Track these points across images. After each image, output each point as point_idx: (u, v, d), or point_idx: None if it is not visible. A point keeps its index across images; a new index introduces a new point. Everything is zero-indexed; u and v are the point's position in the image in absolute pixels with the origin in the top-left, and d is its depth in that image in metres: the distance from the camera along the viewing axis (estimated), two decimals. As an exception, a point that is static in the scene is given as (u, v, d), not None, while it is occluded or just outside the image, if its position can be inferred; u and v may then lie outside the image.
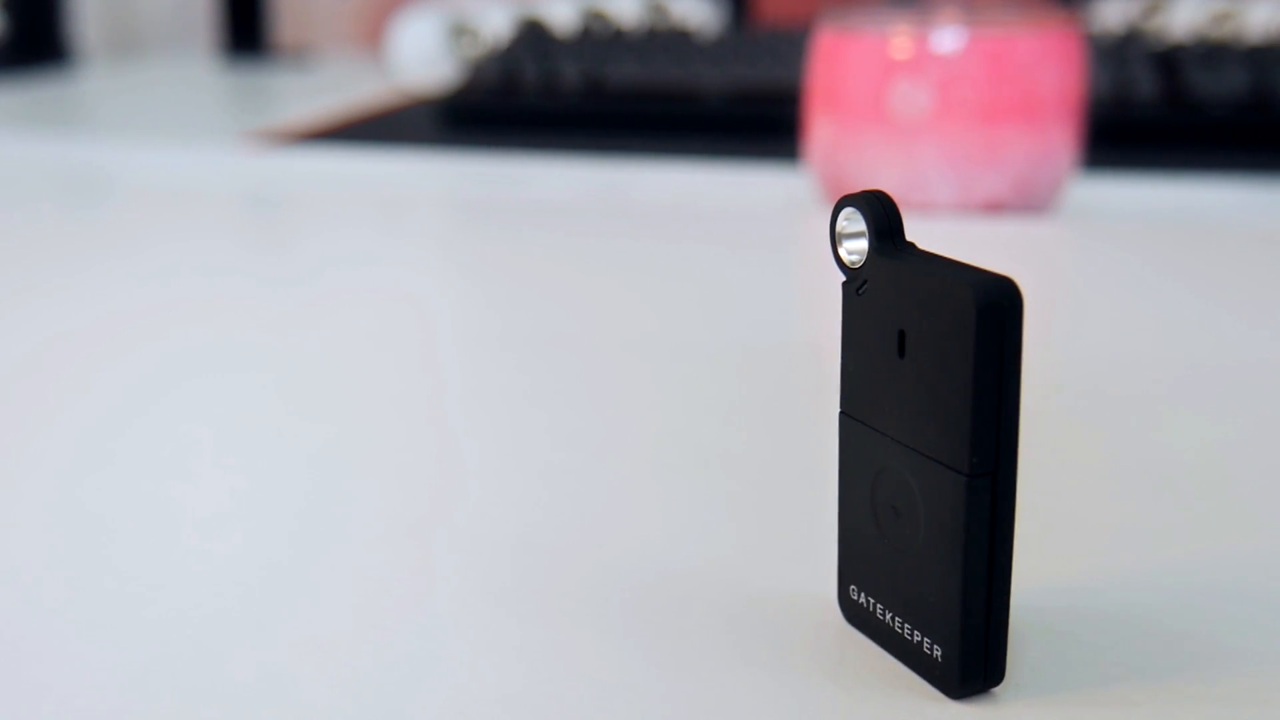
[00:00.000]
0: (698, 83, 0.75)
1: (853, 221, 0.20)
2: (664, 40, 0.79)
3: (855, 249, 0.20)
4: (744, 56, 0.76)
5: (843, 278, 0.20)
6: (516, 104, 0.76)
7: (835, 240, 0.21)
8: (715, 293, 0.43)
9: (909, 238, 0.20)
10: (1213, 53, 0.72)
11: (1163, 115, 0.69)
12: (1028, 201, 0.50)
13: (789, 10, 1.06)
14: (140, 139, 0.76)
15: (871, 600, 0.21)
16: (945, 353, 0.18)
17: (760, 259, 0.48)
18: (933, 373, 0.19)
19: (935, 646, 0.19)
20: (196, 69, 1.11)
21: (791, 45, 0.71)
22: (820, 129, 0.51)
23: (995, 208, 0.50)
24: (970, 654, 0.19)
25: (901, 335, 0.19)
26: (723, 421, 0.31)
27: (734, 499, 0.27)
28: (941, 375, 0.19)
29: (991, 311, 0.18)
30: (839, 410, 0.21)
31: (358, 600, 0.23)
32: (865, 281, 0.20)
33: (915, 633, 0.20)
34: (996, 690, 0.19)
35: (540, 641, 0.21)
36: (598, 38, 0.80)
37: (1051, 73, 0.49)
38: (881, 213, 0.20)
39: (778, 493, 0.27)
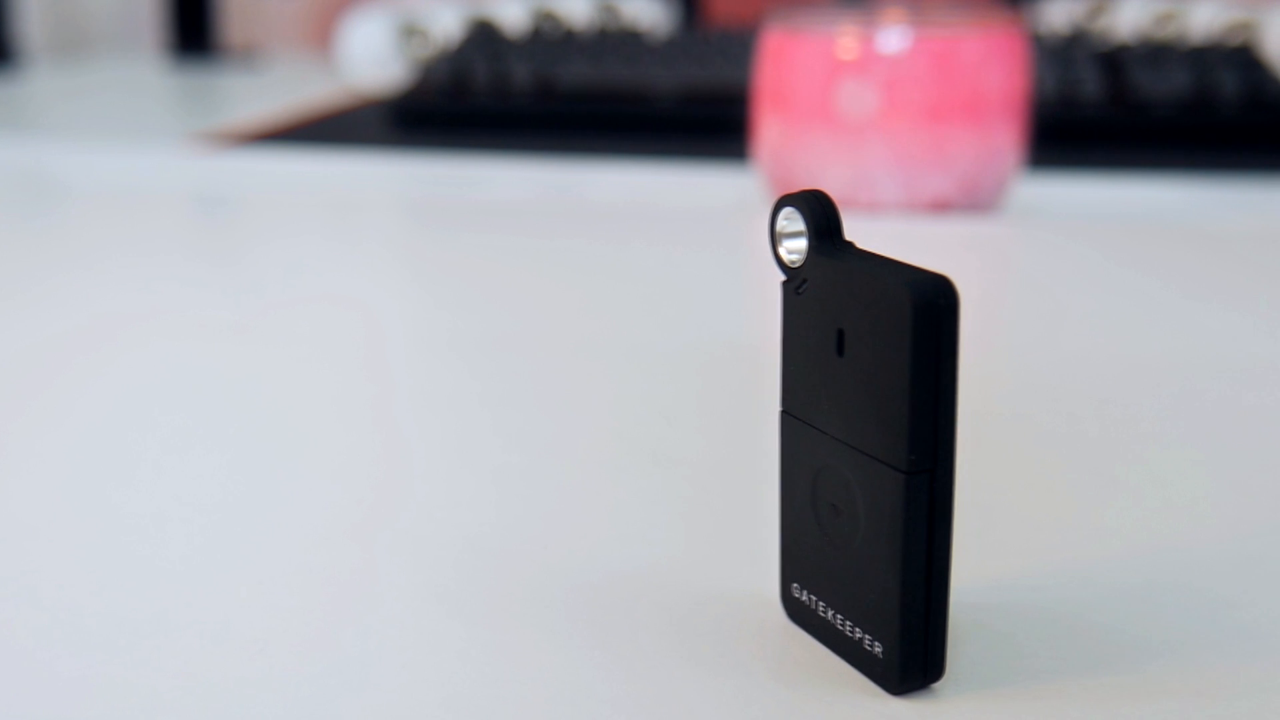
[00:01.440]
0: (648, 83, 0.75)
1: (792, 221, 0.20)
2: (615, 41, 0.79)
3: (795, 248, 0.20)
4: (694, 57, 0.77)
5: (783, 277, 0.21)
6: (467, 104, 0.76)
7: (775, 240, 0.21)
8: (664, 293, 0.43)
9: (849, 237, 0.20)
10: (1156, 53, 0.73)
11: (1107, 115, 0.70)
12: (974, 201, 0.50)
13: (740, 11, 1.06)
14: (87, 141, 0.75)
15: (813, 598, 0.21)
16: (883, 351, 0.18)
17: (709, 259, 0.48)
18: (871, 371, 0.19)
19: (875, 643, 0.20)
20: (143, 70, 1.10)
21: (742, 46, 0.71)
22: (768, 129, 0.52)
23: (942, 207, 0.50)
24: (910, 650, 0.19)
25: (840, 334, 0.19)
26: (670, 422, 0.31)
27: (681, 499, 0.27)
28: (879, 373, 0.19)
29: (928, 310, 0.18)
30: (780, 409, 0.21)
31: (300, 603, 0.22)
32: (804, 281, 0.20)
33: (856, 629, 0.20)
34: (936, 686, 0.20)
35: (485, 642, 0.21)
36: (548, 38, 0.80)
37: (996, 73, 0.49)
38: (820, 212, 0.20)
39: (725, 492, 0.27)
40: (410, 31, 0.89)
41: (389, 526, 0.26)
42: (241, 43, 1.19)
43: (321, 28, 1.15)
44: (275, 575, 0.23)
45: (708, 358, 0.36)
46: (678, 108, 0.74)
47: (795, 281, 0.20)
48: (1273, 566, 0.24)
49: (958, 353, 0.18)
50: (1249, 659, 0.20)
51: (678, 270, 0.46)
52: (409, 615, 0.22)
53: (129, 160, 0.68)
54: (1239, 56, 0.72)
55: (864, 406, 0.19)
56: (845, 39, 0.49)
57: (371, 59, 0.89)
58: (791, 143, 0.50)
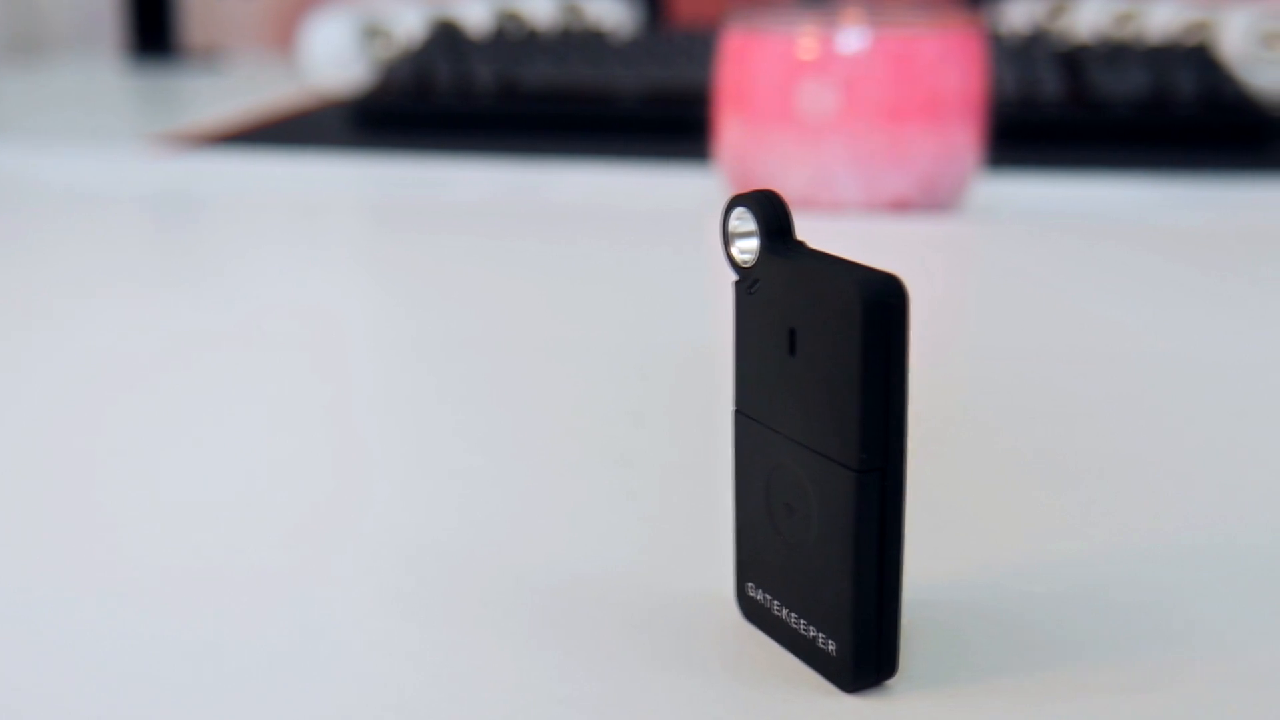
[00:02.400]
0: (612, 83, 0.75)
1: (744, 221, 0.20)
2: (578, 41, 0.79)
3: (746, 248, 0.20)
4: (658, 57, 0.77)
5: (735, 277, 0.21)
6: (430, 105, 0.76)
7: (727, 240, 0.21)
8: (626, 294, 0.43)
9: (801, 236, 0.20)
10: (1115, 53, 0.73)
11: (1067, 114, 0.70)
12: (933, 200, 0.51)
13: (704, 11, 1.06)
14: (45, 142, 0.74)
15: (768, 597, 0.21)
16: (834, 350, 0.19)
17: (671, 259, 0.48)
18: (822, 370, 0.19)
19: (829, 641, 0.20)
20: (103, 71, 1.09)
21: (705, 46, 0.71)
22: (729, 129, 0.52)
23: (901, 206, 0.50)
24: (863, 647, 0.19)
25: (792, 333, 0.19)
26: (632, 423, 0.31)
27: (640, 499, 0.27)
28: (830, 372, 0.19)
29: (878, 309, 0.18)
30: (733, 409, 0.21)
31: (255, 606, 0.22)
32: (756, 280, 0.20)
33: (810, 628, 0.20)
34: (890, 682, 0.20)
35: (440, 644, 0.21)
36: (511, 39, 0.80)
37: (955, 72, 0.50)
38: (772, 212, 0.20)
39: (684, 492, 0.27)
40: (372, 32, 0.88)
41: (346, 530, 0.25)
42: (202, 43, 1.19)
43: (283, 28, 1.15)
44: (232, 578, 0.23)
45: (669, 358, 0.36)
46: (641, 108, 0.74)
47: (747, 281, 0.20)
48: (1222, 563, 0.24)
49: (908, 351, 0.18)
50: (1196, 655, 0.21)
51: (640, 271, 0.46)
52: (364, 618, 0.22)
53: (88, 162, 0.68)
54: (1196, 56, 0.73)
55: (816, 405, 0.19)
56: (805, 39, 0.49)
57: (333, 60, 0.89)
58: (752, 143, 0.51)
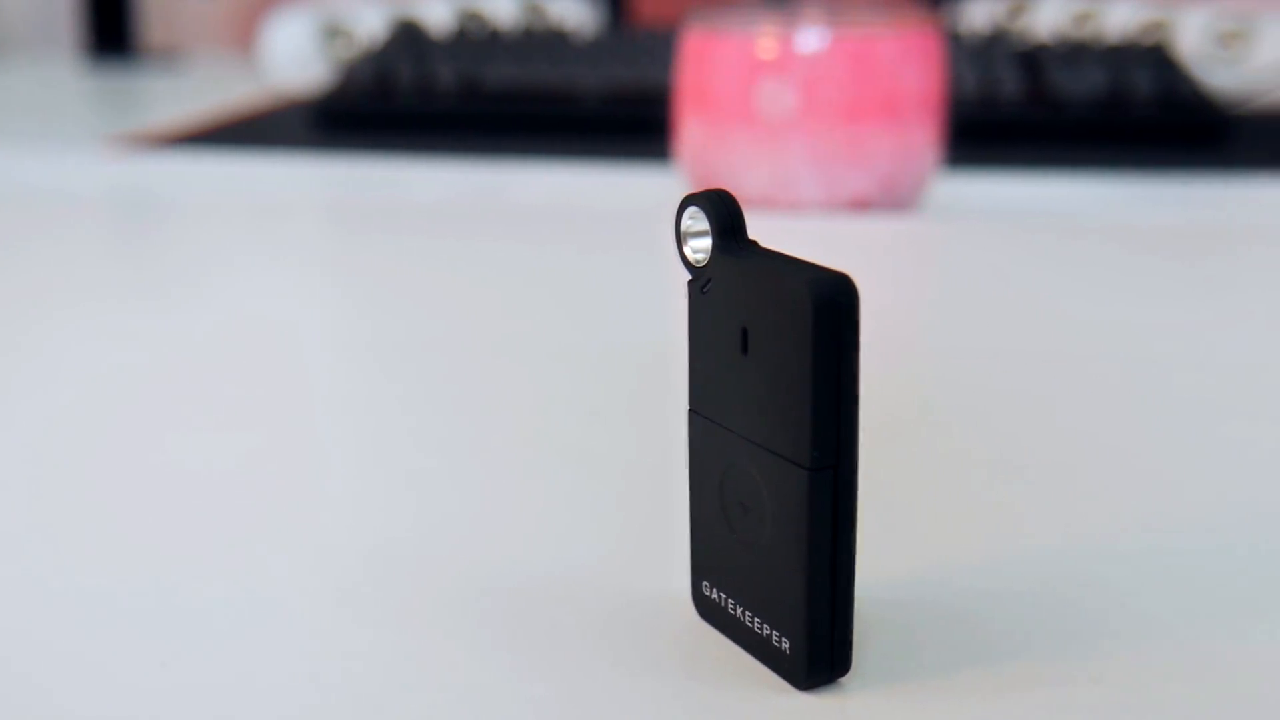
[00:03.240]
0: (574, 83, 0.75)
1: (697, 220, 0.20)
2: (540, 41, 0.79)
3: (700, 248, 0.20)
4: (620, 57, 0.77)
5: (689, 276, 0.21)
6: (391, 106, 0.75)
7: (680, 239, 0.21)
8: (585, 294, 0.43)
9: (753, 236, 0.20)
10: (1073, 52, 0.74)
11: (1026, 113, 0.71)
12: (893, 199, 0.51)
13: (666, 11, 1.06)
14: (2, 143, 0.73)
15: (723, 595, 0.21)
16: (785, 349, 0.19)
17: (631, 259, 0.48)
18: (774, 369, 0.19)
19: (783, 639, 0.20)
20: (60, 71, 1.08)
21: (667, 46, 0.72)
22: (689, 129, 0.52)
23: (861, 205, 0.51)
24: (816, 645, 0.19)
25: (744, 332, 0.19)
26: (590, 423, 0.31)
27: (596, 499, 0.27)
28: (782, 371, 0.19)
29: (828, 308, 0.18)
30: (688, 408, 0.21)
31: (206, 609, 0.22)
32: (709, 280, 0.20)
33: (764, 626, 0.20)
34: (843, 680, 0.20)
35: (395, 647, 0.21)
36: (473, 38, 0.80)
37: (913, 72, 0.50)
38: (724, 212, 0.20)
39: (642, 492, 0.27)
40: (333, 32, 0.88)
41: (301, 532, 0.25)
42: (161, 44, 1.18)
43: (243, 28, 1.14)
44: (182, 581, 0.23)
45: (627, 358, 0.36)
46: (603, 108, 0.74)
47: (700, 281, 0.20)
48: (1173, 560, 0.24)
49: (859, 350, 0.18)
50: (1145, 648, 0.21)
51: (600, 270, 0.46)
52: (318, 620, 0.22)
53: (47, 163, 0.67)
54: (1153, 56, 0.73)
55: (768, 404, 0.19)
56: (764, 39, 0.49)
57: (294, 60, 0.88)
58: (712, 143, 0.51)
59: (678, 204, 0.20)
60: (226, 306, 0.42)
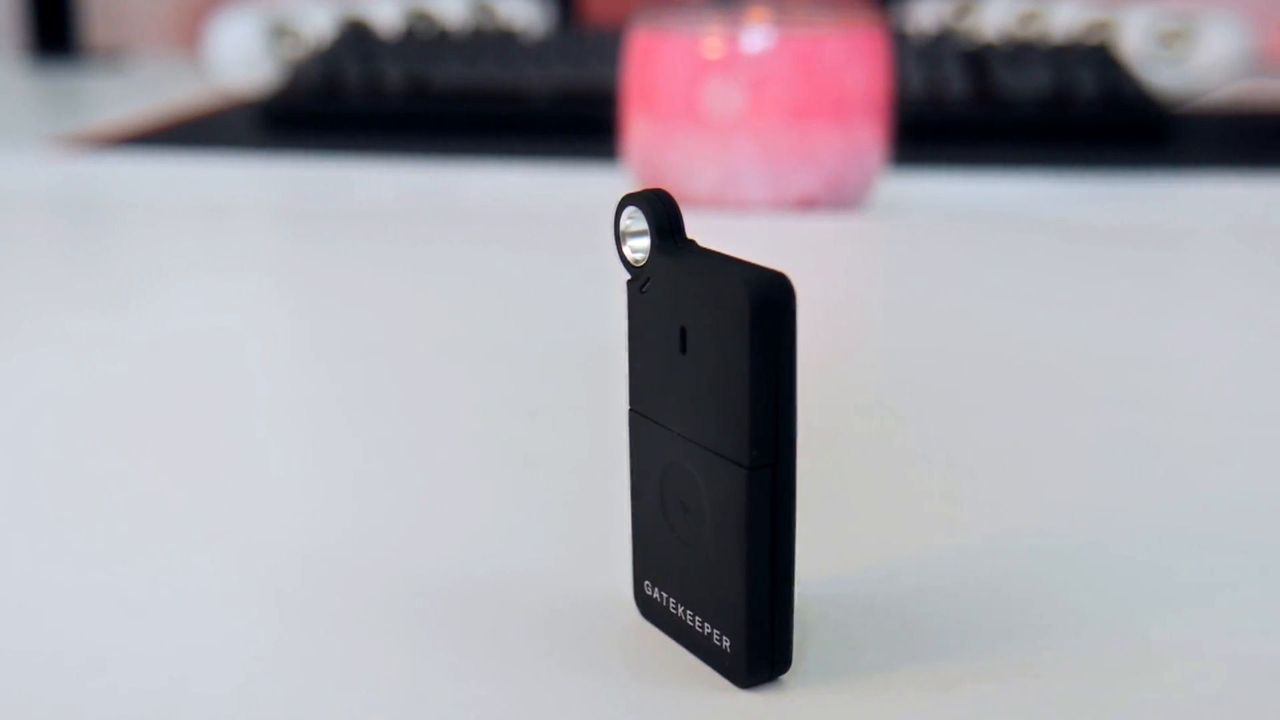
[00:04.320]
0: (523, 83, 0.75)
1: (636, 220, 0.20)
2: (489, 41, 0.79)
3: (639, 247, 0.20)
4: (569, 57, 0.77)
5: (628, 276, 0.21)
6: (339, 106, 0.75)
7: (619, 239, 0.21)
8: (531, 294, 0.43)
9: (691, 235, 0.20)
10: (1019, 52, 0.74)
11: (972, 112, 0.71)
12: (840, 198, 0.51)
13: (616, 11, 1.06)
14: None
15: (664, 595, 0.21)
16: (723, 348, 0.19)
17: (577, 259, 0.48)
18: (712, 368, 0.19)
19: (723, 638, 0.20)
20: (1, 71, 1.06)
21: (616, 46, 0.71)
22: (637, 129, 0.52)
23: (808, 204, 0.51)
24: (756, 644, 0.19)
25: (683, 332, 0.20)
26: (534, 424, 0.31)
27: (539, 500, 0.27)
28: (720, 370, 0.19)
29: (765, 307, 0.18)
30: (628, 408, 0.21)
31: (142, 614, 0.22)
32: (648, 279, 0.20)
33: (705, 625, 0.20)
34: (784, 678, 0.20)
35: (334, 651, 0.21)
36: (422, 38, 0.79)
37: (859, 71, 0.50)
38: (663, 211, 0.20)
39: (585, 493, 0.27)
40: (280, 32, 0.87)
41: (238, 534, 0.25)
42: (105, 43, 1.16)
43: (189, 28, 1.13)
44: (118, 585, 0.23)
45: (572, 358, 0.36)
46: (552, 108, 0.74)
47: (639, 280, 0.20)
48: (1108, 552, 0.24)
49: (796, 349, 0.19)
50: (1084, 641, 0.21)
51: (546, 270, 0.46)
52: (255, 625, 0.22)
53: (-16, 165, 0.66)
54: (1097, 55, 0.74)
55: (707, 403, 0.19)
56: (710, 39, 0.49)
57: (240, 60, 0.87)
58: (660, 142, 0.51)
59: (616, 204, 0.20)
60: (171, 309, 0.41)
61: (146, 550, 0.24)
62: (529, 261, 0.48)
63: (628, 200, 0.20)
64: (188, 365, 0.36)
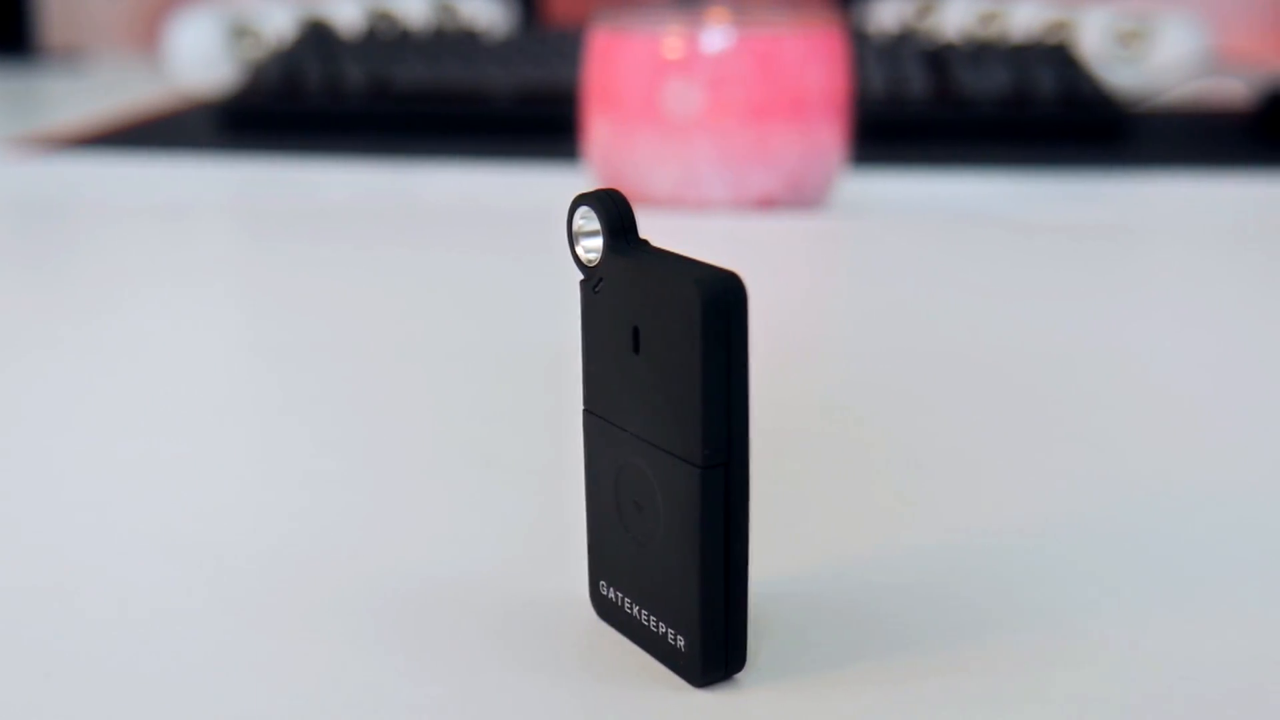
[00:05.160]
0: (485, 84, 0.74)
1: (589, 220, 0.20)
2: (451, 41, 0.79)
3: (591, 247, 0.20)
4: (531, 57, 0.76)
5: (582, 276, 0.21)
6: (300, 106, 0.75)
7: (572, 239, 0.21)
8: (490, 294, 0.43)
9: (644, 234, 0.20)
10: (979, 52, 0.75)
11: (933, 111, 0.72)
12: (800, 197, 0.51)
13: (578, 11, 1.06)
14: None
15: (619, 594, 0.21)
16: (675, 348, 0.19)
17: (536, 259, 0.48)
18: (665, 368, 0.19)
19: (678, 637, 0.20)
20: (-40, 72, 1.05)
21: (578, 46, 0.71)
22: (597, 128, 0.52)
23: (768, 204, 0.51)
24: (711, 642, 0.19)
25: (636, 331, 0.20)
26: (490, 425, 0.31)
27: (495, 501, 0.27)
28: (673, 370, 0.19)
29: (716, 306, 0.18)
30: (582, 408, 0.21)
31: (94, 617, 0.22)
32: (601, 279, 0.20)
33: (660, 624, 0.20)
34: (739, 676, 0.20)
35: (287, 653, 0.21)
36: (383, 38, 0.79)
37: (818, 71, 0.50)
38: (615, 211, 0.20)
39: (542, 493, 0.27)
40: (240, 32, 0.87)
41: (191, 537, 0.25)
42: (63, 43, 1.15)
43: (147, 28, 1.12)
44: (67, 589, 0.23)
45: (529, 358, 0.36)
46: (514, 108, 0.74)
47: (592, 280, 0.20)
48: (1056, 549, 0.25)
49: (748, 348, 0.19)
50: (1031, 636, 0.21)
51: (505, 271, 0.46)
52: (208, 629, 0.21)
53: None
54: (1056, 55, 0.75)
55: (660, 403, 0.19)
56: (670, 39, 0.49)
57: (200, 60, 0.87)
58: (620, 142, 0.51)
59: (569, 204, 0.20)
60: (129, 310, 0.41)
61: (100, 554, 0.24)
62: (489, 262, 0.47)
63: (580, 200, 0.20)
64: (145, 368, 0.35)
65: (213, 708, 0.19)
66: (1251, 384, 0.34)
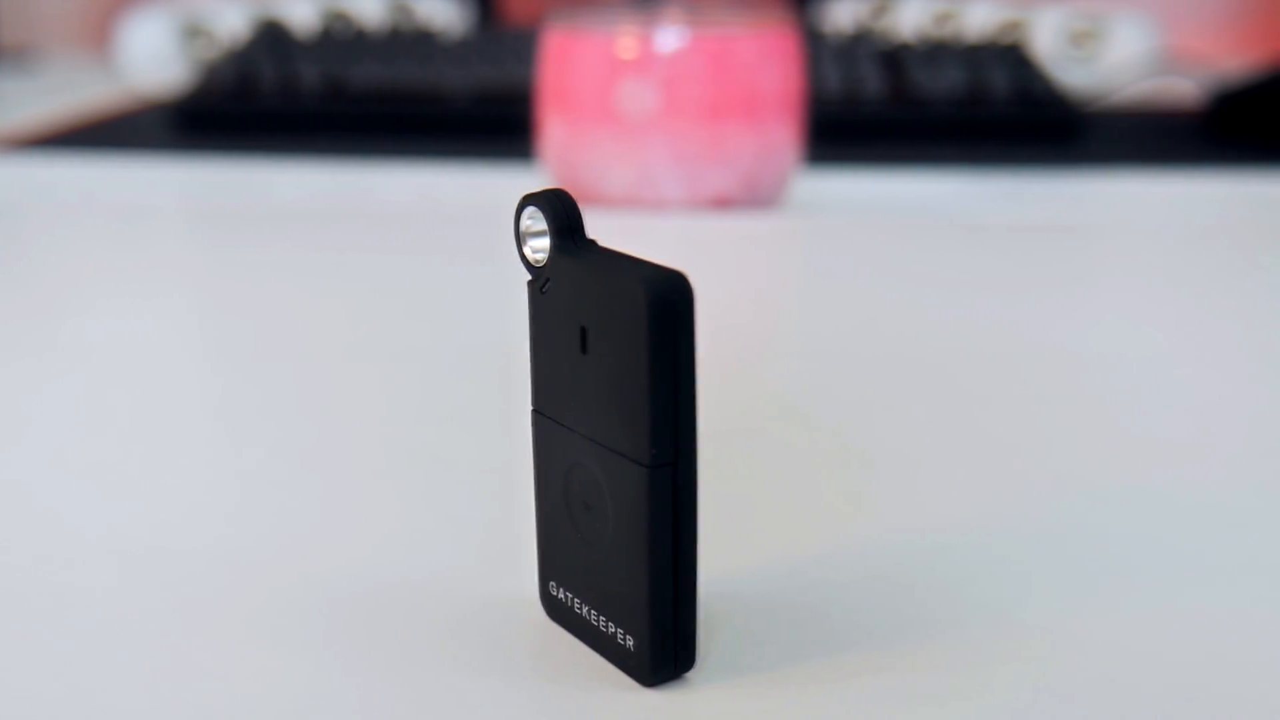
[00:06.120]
0: (441, 84, 0.74)
1: (536, 220, 0.20)
2: (406, 41, 0.78)
3: (539, 247, 0.20)
4: (487, 57, 0.76)
5: (529, 276, 0.21)
6: (254, 106, 0.74)
7: (520, 239, 0.21)
8: (443, 295, 0.43)
9: (591, 234, 0.20)
10: (934, 51, 0.75)
11: (888, 111, 0.72)
12: (755, 197, 0.51)
13: (535, 11, 1.06)
14: None
15: (569, 595, 0.21)
16: (622, 348, 0.19)
17: (490, 259, 0.48)
18: (612, 368, 0.19)
19: (628, 637, 0.20)
20: (-93, 72, 1.04)
21: (534, 46, 0.71)
22: (552, 129, 0.52)
23: (723, 203, 0.51)
24: (660, 642, 0.19)
25: (583, 332, 0.20)
26: (442, 426, 0.31)
27: (449, 503, 0.27)
28: (620, 370, 0.19)
29: (663, 306, 0.18)
30: (531, 408, 0.21)
31: (38, 619, 0.21)
32: (548, 280, 0.20)
33: (610, 624, 0.20)
34: (689, 675, 0.20)
35: (236, 655, 0.21)
36: (339, 38, 0.79)
37: (773, 71, 0.50)
38: (562, 211, 0.20)
39: (493, 494, 0.27)
40: (193, 31, 0.86)
41: (139, 540, 0.25)
42: (13, 43, 1.14)
43: (99, 27, 1.11)
44: (14, 592, 0.22)
45: (483, 359, 0.36)
46: (470, 108, 0.73)
47: (540, 281, 0.20)
48: (1001, 546, 0.25)
49: (695, 347, 0.19)
50: (977, 631, 0.21)
51: (459, 272, 0.46)
52: (152, 633, 0.21)
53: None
54: (1010, 55, 0.75)
55: (608, 403, 0.19)
56: (624, 39, 0.49)
57: (153, 60, 0.86)
58: (575, 142, 0.51)
59: (516, 205, 0.20)
60: (80, 313, 0.41)
61: (47, 557, 0.24)
62: (442, 262, 0.47)
63: (527, 200, 0.20)
64: (95, 370, 0.35)
65: (160, 711, 0.19)
66: (1198, 382, 0.35)
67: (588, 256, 0.20)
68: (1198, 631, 0.21)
